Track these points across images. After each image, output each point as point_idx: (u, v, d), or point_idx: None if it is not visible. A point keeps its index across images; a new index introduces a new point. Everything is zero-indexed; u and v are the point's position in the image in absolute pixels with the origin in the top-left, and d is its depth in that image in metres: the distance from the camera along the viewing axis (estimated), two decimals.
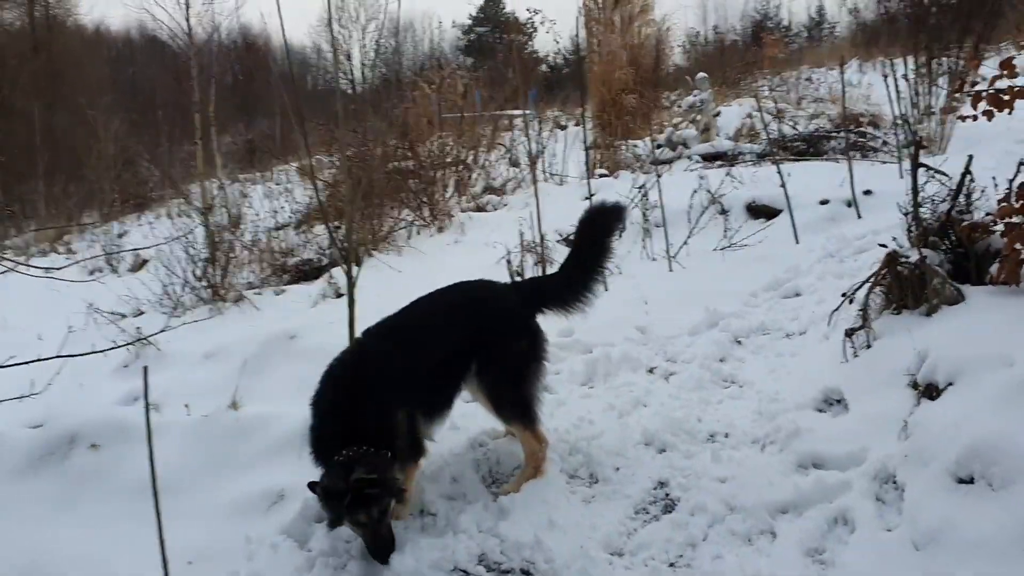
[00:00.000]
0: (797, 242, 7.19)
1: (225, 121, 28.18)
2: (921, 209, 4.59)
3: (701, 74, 13.71)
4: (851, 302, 4.66)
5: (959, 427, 3.17)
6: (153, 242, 10.35)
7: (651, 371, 5.12)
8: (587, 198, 9.50)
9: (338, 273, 8.01)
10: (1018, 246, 3.84)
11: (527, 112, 17.00)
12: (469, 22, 50.24)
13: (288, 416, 4.81)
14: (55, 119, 24.24)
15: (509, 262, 6.89)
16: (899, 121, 8.76)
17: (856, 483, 3.43)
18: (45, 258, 16.30)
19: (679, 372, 5.03)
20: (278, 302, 8.14)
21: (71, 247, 17.34)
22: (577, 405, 4.60)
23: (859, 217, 7.45)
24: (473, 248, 8.61)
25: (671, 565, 3.26)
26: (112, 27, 40.44)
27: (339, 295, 7.64)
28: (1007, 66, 4.08)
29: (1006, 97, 4.01)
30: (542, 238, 6.98)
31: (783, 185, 7.47)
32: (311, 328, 6.19)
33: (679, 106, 14.14)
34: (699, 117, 12.87)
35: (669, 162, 9.14)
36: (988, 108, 4.08)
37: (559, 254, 7.89)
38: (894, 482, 3.35)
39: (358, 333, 4.70)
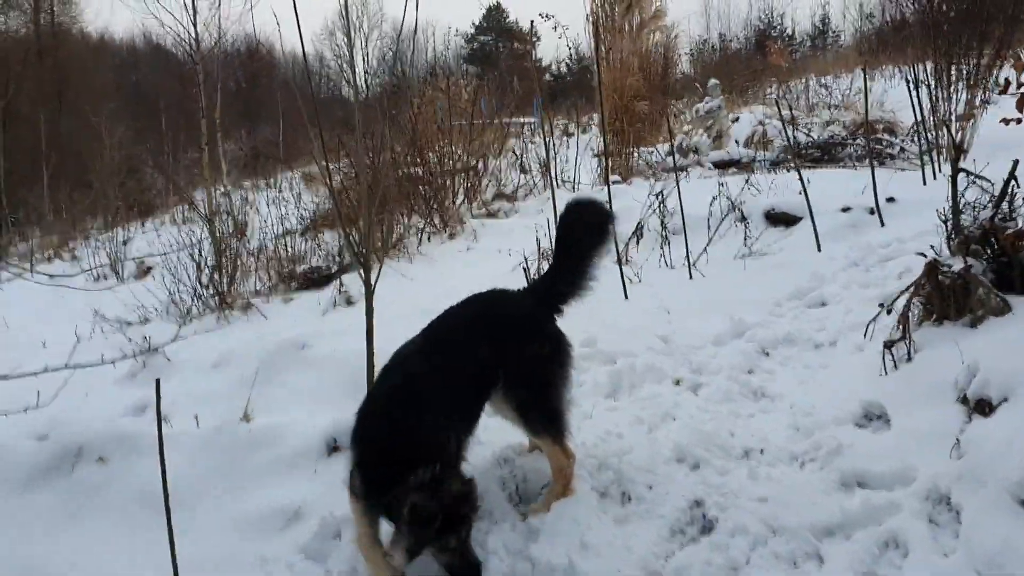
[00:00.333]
0: (819, 250, 7.02)
1: (228, 127, 28.13)
2: (961, 216, 4.41)
3: (713, 81, 13.58)
4: (889, 312, 4.48)
5: (1018, 446, 3.00)
6: (158, 249, 10.27)
7: (677, 383, 4.93)
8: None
9: (348, 280, 7.85)
10: None
11: (534, 120, 16.93)
12: (472, 30, 50.28)
13: (301, 427, 4.67)
14: (60, 126, 24.17)
15: (526, 269, 6.73)
16: (921, 127, 8.59)
17: (906, 504, 3.25)
18: (50, 265, 16.19)
19: (706, 384, 4.85)
20: (286, 310, 7.99)
21: (75, 254, 17.20)
22: (604, 418, 4.42)
23: (882, 225, 7.27)
24: (486, 255, 8.46)
25: None
26: (116, 34, 40.39)
27: (349, 303, 7.48)
28: None
29: None
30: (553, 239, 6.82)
31: (804, 192, 7.30)
32: (322, 337, 6.03)
33: (692, 112, 13.98)
34: (711, 124, 12.74)
35: (683, 169, 8.98)
36: None
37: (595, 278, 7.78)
38: (948, 503, 3.18)
39: (377, 344, 4.57)
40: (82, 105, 24.33)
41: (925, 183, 8.10)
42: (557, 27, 13.18)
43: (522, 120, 16.31)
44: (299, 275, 8.89)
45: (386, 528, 3.24)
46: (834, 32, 46.52)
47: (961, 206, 4.45)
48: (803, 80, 18.55)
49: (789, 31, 45.93)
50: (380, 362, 4.75)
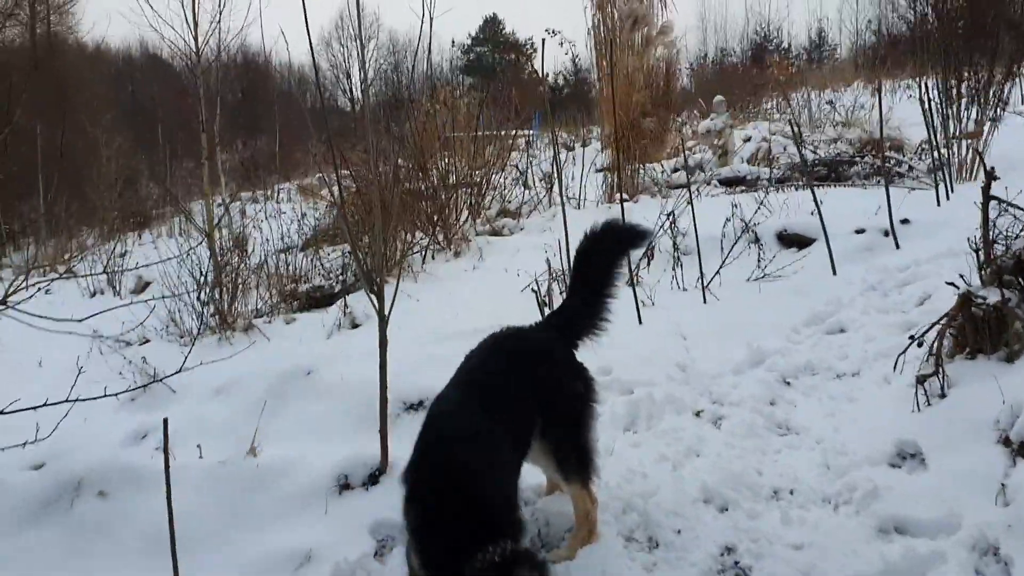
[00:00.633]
0: (835, 273, 6.89)
1: (225, 139, 27.99)
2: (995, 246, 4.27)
3: (719, 97, 13.49)
4: (920, 345, 4.34)
5: None
6: (156, 263, 10.10)
7: (697, 414, 4.78)
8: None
9: (353, 301, 7.69)
10: None
11: (532, 132, 16.82)
12: (469, 42, 50.26)
13: (311, 463, 4.50)
14: (56, 137, 23.96)
15: (536, 291, 6.57)
16: (932, 145, 8.47)
17: (951, 554, 3.10)
18: (44, 278, 15.99)
19: (728, 416, 4.70)
20: (289, 331, 7.81)
21: (72, 267, 16.99)
22: (626, 455, 4.26)
23: (897, 247, 7.15)
24: (493, 274, 8.30)
25: None
26: (112, 45, 40.22)
27: (355, 325, 7.32)
28: None
29: None
30: (571, 265, 6.64)
31: (819, 213, 7.17)
32: (328, 362, 5.86)
33: (698, 128, 13.87)
34: (717, 141, 12.63)
35: (687, 186, 8.84)
36: None
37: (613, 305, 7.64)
38: (996, 554, 3.03)
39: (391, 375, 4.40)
40: (79, 115, 24.13)
41: (939, 204, 7.98)
42: (563, 43, 13.06)
43: (522, 133, 16.20)
44: (301, 295, 8.73)
45: None
46: (830, 46, 46.60)
47: (994, 235, 4.30)
48: (804, 95, 18.48)
49: (786, 44, 46.00)
50: (392, 392, 4.63)
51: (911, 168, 9.92)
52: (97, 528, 4.34)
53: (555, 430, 3.41)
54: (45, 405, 3.92)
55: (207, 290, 8.41)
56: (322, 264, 9.47)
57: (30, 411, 4.12)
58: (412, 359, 5.53)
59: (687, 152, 11.26)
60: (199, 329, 8.04)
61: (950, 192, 8.24)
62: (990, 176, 4.25)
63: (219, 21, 12.79)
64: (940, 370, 4.06)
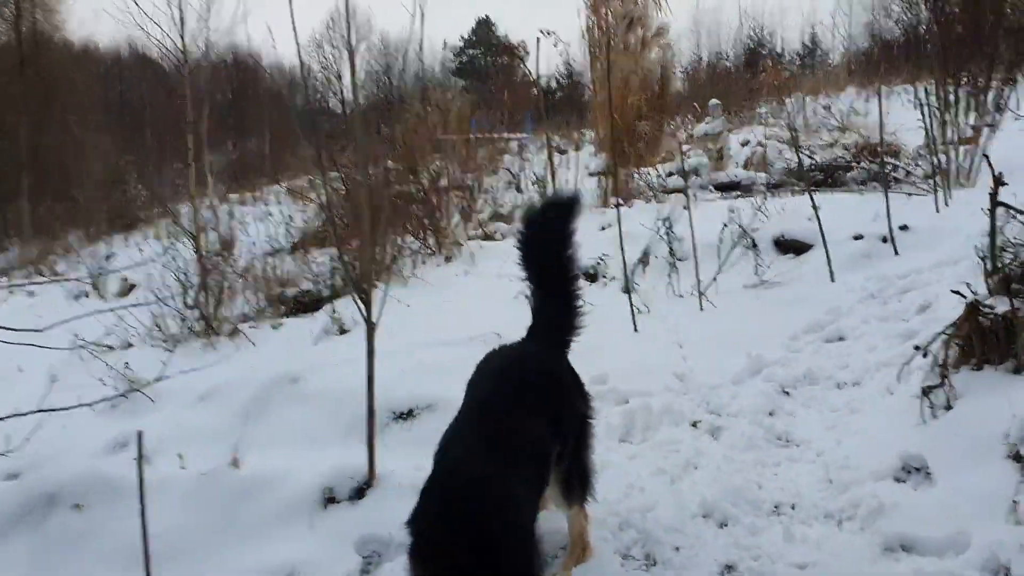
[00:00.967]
0: (833, 280, 6.78)
1: (215, 139, 27.79)
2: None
3: (714, 101, 13.39)
4: (925, 355, 4.21)
5: None
6: (141, 266, 9.92)
7: (694, 425, 4.65)
8: (604, 228, 9.11)
9: (341, 306, 7.53)
10: None
11: (525, 135, 16.71)
12: (461, 44, 50.12)
13: (295, 474, 4.36)
14: (42, 137, 23.72)
15: (528, 298, 6.42)
16: (931, 150, 8.38)
17: (961, 574, 2.97)
18: (27, 280, 15.78)
19: (726, 427, 4.56)
20: (275, 337, 7.67)
21: (56, 269, 16.80)
22: (623, 468, 4.12)
23: (896, 254, 7.04)
24: (484, 280, 8.15)
25: None
26: (101, 44, 39.86)
27: (343, 331, 7.17)
28: None
29: None
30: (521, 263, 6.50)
31: (817, 218, 7.06)
32: (315, 370, 5.71)
33: (694, 132, 13.76)
34: (712, 145, 12.53)
35: (682, 191, 8.74)
36: None
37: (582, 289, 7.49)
38: (1007, 575, 2.90)
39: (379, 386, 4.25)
40: (65, 116, 23.91)
41: (938, 210, 7.88)
42: (557, 44, 12.94)
43: (513, 136, 16.09)
44: (288, 299, 8.57)
45: None
46: (823, 51, 46.63)
47: (1003, 243, 4.18)
48: (799, 100, 18.37)
49: (779, 49, 46.02)
50: (381, 400, 4.48)
51: (908, 173, 9.83)
52: (72, 542, 4.21)
53: (567, 459, 3.22)
54: (12, 416, 3.75)
55: (192, 294, 8.25)
56: (310, 268, 9.30)
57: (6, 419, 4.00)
58: (402, 367, 5.39)
59: (683, 156, 11.15)
60: (177, 327, 7.87)
61: (948, 198, 8.13)
62: (998, 181, 4.12)
63: (207, 20, 12.65)
64: (946, 381, 3.93)
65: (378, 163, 9.46)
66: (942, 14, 9.65)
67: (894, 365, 4.70)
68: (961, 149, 9.16)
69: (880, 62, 21.58)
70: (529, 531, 2.66)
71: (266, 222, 12.52)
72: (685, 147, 12.93)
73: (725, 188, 11.27)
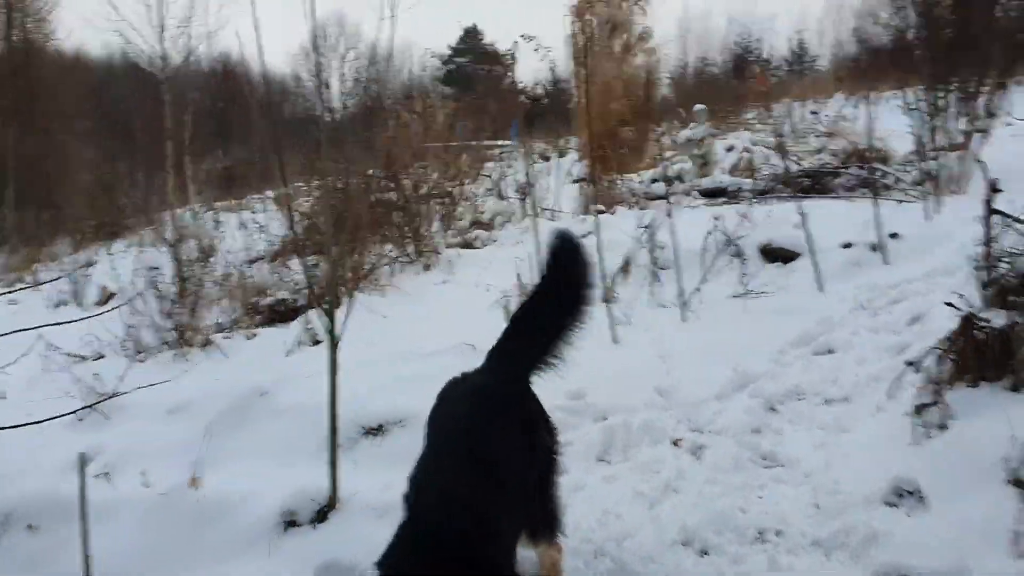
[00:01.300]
0: (821, 290, 6.58)
1: (202, 148, 27.52)
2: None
3: (699, 106, 13.22)
4: (918, 371, 4.01)
5: None
6: (121, 274, 9.67)
7: (676, 443, 4.42)
8: (585, 236, 8.90)
9: (315, 317, 7.31)
10: None
11: (510, 142, 16.51)
12: (449, 52, 49.91)
13: (256, 496, 4.18)
14: (28, 145, 23.42)
15: (507, 308, 6.21)
16: (920, 157, 8.21)
17: None
18: (10, 288, 15.51)
19: (710, 446, 4.34)
20: (249, 347, 7.45)
21: (38, 277, 16.51)
22: (598, 491, 3.90)
23: (886, 263, 6.86)
24: (463, 288, 7.96)
25: None
26: (93, 52, 39.50)
27: (316, 342, 6.94)
28: None
29: None
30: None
31: (804, 225, 6.87)
32: (285, 383, 5.53)
33: (678, 138, 13.58)
34: (697, 151, 12.34)
35: (666, 197, 8.55)
36: None
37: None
38: None
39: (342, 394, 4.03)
40: (52, 124, 23.64)
41: (928, 217, 7.70)
42: (539, 48, 12.74)
43: (498, 143, 15.90)
44: (264, 308, 8.33)
45: None
46: (811, 57, 46.69)
47: (998, 252, 3.97)
48: (785, 105, 18.24)
49: (767, 55, 46.05)
50: (344, 420, 4.27)
51: (898, 180, 9.66)
52: (24, 564, 4.08)
53: (540, 492, 3.02)
54: None
55: (168, 303, 8.00)
56: (281, 278, 9.06)
57: None
58: (376, 380, 5.22)
59: (667, 162, 10.94)
60: (148, 335, 7.64)
61: (939, 205, 7.96)
62: (992, 188, 3.93)
63: (189, 26, 12.47)
64: (940, 399, 3.73)
65: (357, 171, 9.27)
66: (931, 18, 9.50)
67: (885, 379, 4.49)
68: (952, 155, 8.98)
69: (868, 67, 21.45)
70: None
71: (247, 229, 12.27)
72: (669, 153, 12.73)
73: (710, 194, 11.06)
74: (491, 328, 5.09)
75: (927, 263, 6.48)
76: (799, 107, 18.21)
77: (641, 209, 10.25)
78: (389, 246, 9.12)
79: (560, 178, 11.89)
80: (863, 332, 5.59)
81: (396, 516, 2.58)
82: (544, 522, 3.06)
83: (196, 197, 20.26)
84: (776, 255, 7.48)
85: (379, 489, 3.95)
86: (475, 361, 5.37)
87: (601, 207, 9.71)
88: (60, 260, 17.66)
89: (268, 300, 8.49)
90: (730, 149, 13.07)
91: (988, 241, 3.97)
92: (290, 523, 3.95)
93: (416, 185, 10.11)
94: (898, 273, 6.49)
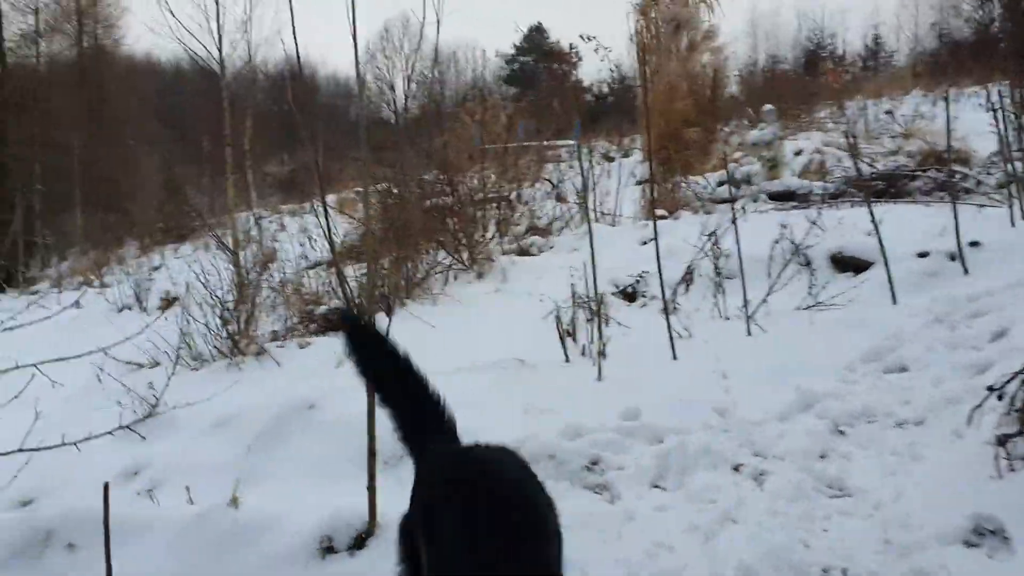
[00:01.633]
0: (895, 302, 6.22)
1: (266, 151, 27.91)
2: None
3: (768, 107, 12.82)
4: (1000, 398, 3.68)
5: None
6: (184, 279, 9.78)
7: (736, 469, 4.16)
8: (646, 242, 8.66)
9: None
10: None
11: (573, 142, 16.30)
12: (513, 51, 49.91)
13: (295, 517, 4.03)
14: (96, 149, 24.10)
15: (559, 319, 6.01)
16: (1006, 158, 7.73)
17: None
18: (77, 292, 15.93)
19: (771, 472, 4.07)
20: (301, 357, 7.42)
21: (104, 280, 16.92)
22: (650, 521, 3.66)
23: (965, 273, 6.46)
24: (516, 299, 7.79)
25: None
26: (162, 56, 40.55)
27: None
28: None
29: None
30: (596, 292, 6.02)
31: (877, 233, 6.50)
32: (333, 395, 5.45)
33: (746, 139, 13.18)
34: (766, 152, 11.95)
35: (733, 201, 8.25)
36: None
37: (615, 310, 7.02)
38: None
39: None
40: (120, 128, 24.25)
41: (1013, 224, 7.24)
42: (599, 48, 12.49)
43: (560, 143, 15.70)
44: (318, 317, 8.29)
45: None
46: (887, 52, 45.21)
47: None
48: (860, 104, 17.62)
49: (840, 51, 44.80)
50: (388, 436, 4.13)
51: (979, 183, 9.16)
52: None
53: None
54: (18, 451, 3.59)
55: (222, 311, 8.01)
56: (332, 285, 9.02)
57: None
58: None
59: (734, 164, 10.60)
60: (204, 343, 7.65)
61: None
62: None
63: (249, 31, 12.55)
64: None
65: (413, 176, 9.18)
66: (1017, 10, 8.97)
67: (964, 402, 4.15)
68: None
69: (948, 63, 20.61)
70: None
71: (307, 234, 12.32)
72: (738, 154, 12.36)
73: (779, 197, 10.69)
74: (542, 342, 4.90)
75: (1011, 273, 6.06)
76: (873, 105, 17.55)
77: (706, 213, 9.96)
78: (442, 253, 8.99)
79: (622, 180, 11.61)
80: (939, 348, 5.24)
81: None
82: None
83: (258, 202, 20.50)
84: (847, 264, 7.14)
85: None
86: (525, 376, 5.16)
87: (663, 212, 9.43)
88: (126, 263, 18.04)
89: (322, 309, 8.45)
90: (798, 153, 12.63)
91: None
92: (327, 548, 3.81)
93: (472, 189, 9.96)
94: (979, 284, 6.10)
